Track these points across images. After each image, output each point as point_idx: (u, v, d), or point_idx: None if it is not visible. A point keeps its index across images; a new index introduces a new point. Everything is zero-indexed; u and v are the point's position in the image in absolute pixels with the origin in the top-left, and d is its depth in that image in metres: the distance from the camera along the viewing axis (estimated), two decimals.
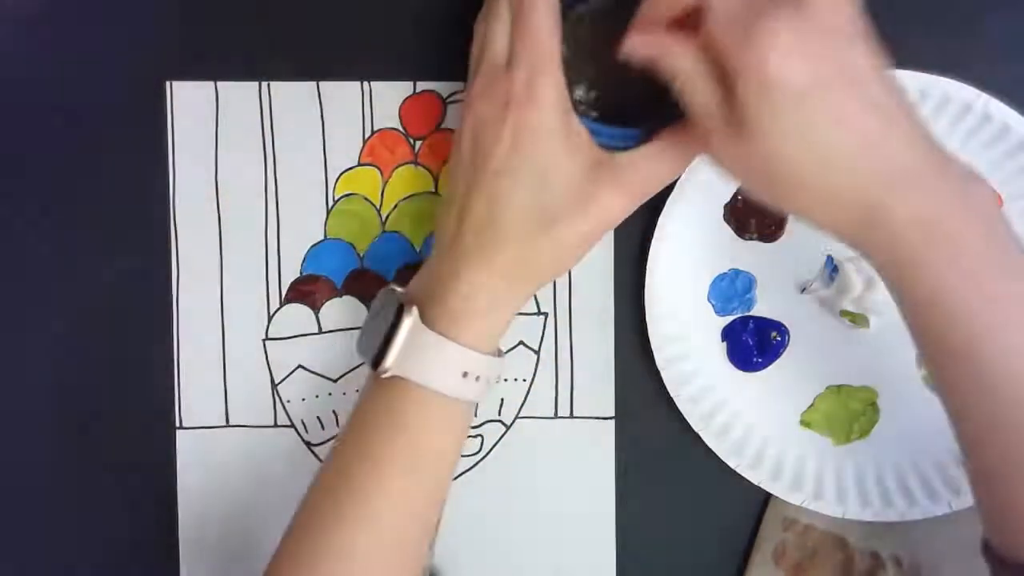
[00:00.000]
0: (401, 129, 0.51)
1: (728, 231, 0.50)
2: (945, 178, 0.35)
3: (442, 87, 0.51)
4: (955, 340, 0.35)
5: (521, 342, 0.51)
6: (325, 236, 0.51)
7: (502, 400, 0.51)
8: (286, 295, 0.51)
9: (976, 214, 0.35)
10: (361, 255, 0.51)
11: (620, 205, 0.41)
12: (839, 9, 0.35)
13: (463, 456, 0.51)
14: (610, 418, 0.51)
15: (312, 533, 0.41)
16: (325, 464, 0.43)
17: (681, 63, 0.36)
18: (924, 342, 0.37)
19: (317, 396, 0.52)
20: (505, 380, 0.51)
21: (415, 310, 0.41)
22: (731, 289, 0.51)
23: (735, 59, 0.34)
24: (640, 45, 0.38)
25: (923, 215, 0.35)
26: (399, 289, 0.43)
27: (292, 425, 0.52)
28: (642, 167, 0.40)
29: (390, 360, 0.41)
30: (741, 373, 0.51)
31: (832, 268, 0.49)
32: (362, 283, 0.51)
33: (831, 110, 0.34)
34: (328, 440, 0.52)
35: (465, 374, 0.41)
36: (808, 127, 0.34)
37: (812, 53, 0.34)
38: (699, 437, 0.49)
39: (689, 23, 0.37)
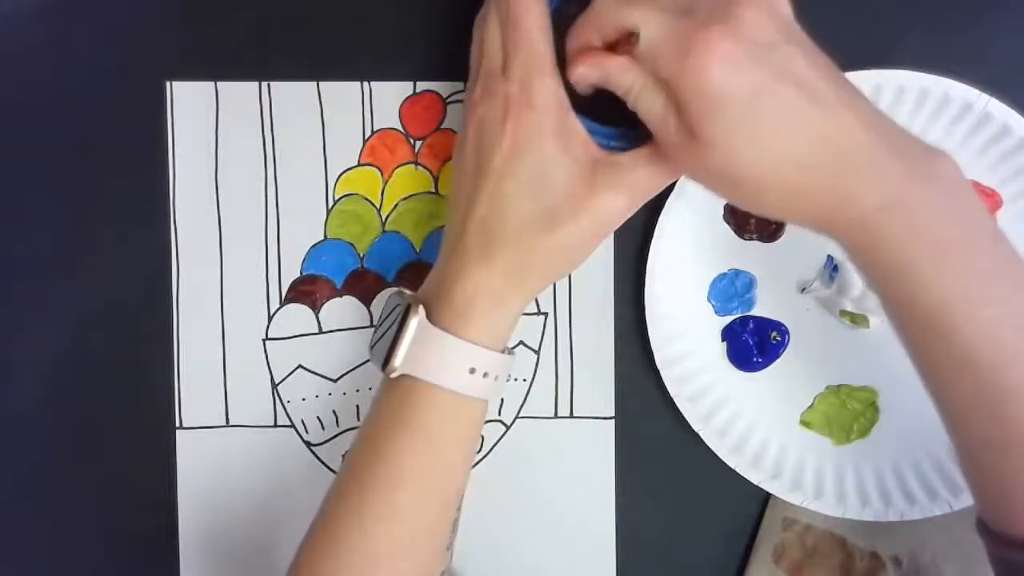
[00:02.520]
0: (401, 129, 0.51)
1: (728, 231, 0.50)
2: (905, 157, 0.36)
3: (442, 87, 0.51)
4: (922, 313, 0.36)
5: (521, 342, 0.51)
6: (325, 236, 0.51)
7: (502, 400, 0.51)
8: (286, 295, 0.51)
9: (939, 190, 0.36)
10: (361, 255, 0.51)
11: (620, 206, 0.41)
12: (768, 16, 0.36)
13: None
14: (610, 418, 0.51)
15: (331, 534, 0.42)
16: (341, 468, 0.43)
17: (627, 80, 0.38)
18: (896, 318, 0.38)
19: (317, 396, 0.52)
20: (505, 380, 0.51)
21: (421, 309, 0.41)
22: (731, 289, 0.51)
23: (675, 81, 0.36)
24: (584, 71, 0.39)
25: (886, 196, 0.36)
26: (408, 292, 0.44)
27: (292, 425, 0.52)
28: (642, 168, 0.41)
29: (399, 359, 0.41)
30: (741, 373, 0.51)
31: (832, 268, 0.49)
32: (362, 283, 0.51)
33: (778, 113, 0.35)
34: (328, 440, 0.52)
35: (472, 370, 0.41)
36: (759, 133, 0.36)
37: (749, 63, 0.35)
38: (699, 437, 0.49)
39: (627, 44, 0.38)
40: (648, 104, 0.38)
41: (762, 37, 0.35)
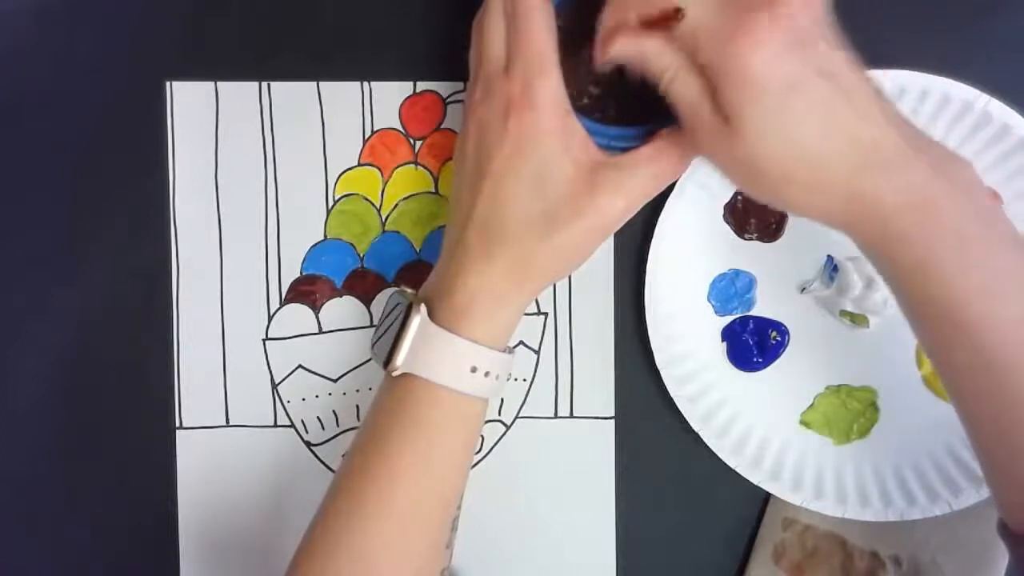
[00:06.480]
0: (401, 129, 0.51)
1: (728, 231, 0.50)
2: (928, 158, 0.36)
3: (442, 87, 0.51)
4: (941, 310, 0.36)
5: (521, 342, 0.51)
6: (325, 236, 0.51)
7: (502, 400, 0.51)
8: (286, 295, 0.51)
9: (960, 191, 0.36)
10: (361, 255, 0.51)
11: (619, 207, 0.41)
12: (809, 10, 0.36)
13: None
14: (610, 418, 0.51)
15: (330, 531, 0.42)
16: (340, 466, 0.43)
17: (664, 61, 0.37)
18: (913, 315, 0.38)
19: (317, 396, 0.52)
20: (506, 379, 0.51)
21: (423, 308, 0.41)
22: (731, 289, 0.51)
23: (717, 62, 0.36)
24: (621, 47, 0.38)
25: (910, 196, 0.36)
26: (409, 290, 0.44)
27: (292, 425, 0.52)
28: (641, 168, 0.41)
29: (400, 358, 0.41)
30: (741, 373, 0.51)
31: (832, 268, 0.49)
32: (362, 283, 0.51)
33: (813, 106, 0.35)
34: (328, 440, 0.52)
35: (473, 369, 0.41)
36: (792, 124, 0.36)
37: (791, 53, 0.35)
38: (699, 437, 0.49)
39: (659, 25, 0.38)
40: (683, 87, 0.37)
41: (806, 30, 0.36)
